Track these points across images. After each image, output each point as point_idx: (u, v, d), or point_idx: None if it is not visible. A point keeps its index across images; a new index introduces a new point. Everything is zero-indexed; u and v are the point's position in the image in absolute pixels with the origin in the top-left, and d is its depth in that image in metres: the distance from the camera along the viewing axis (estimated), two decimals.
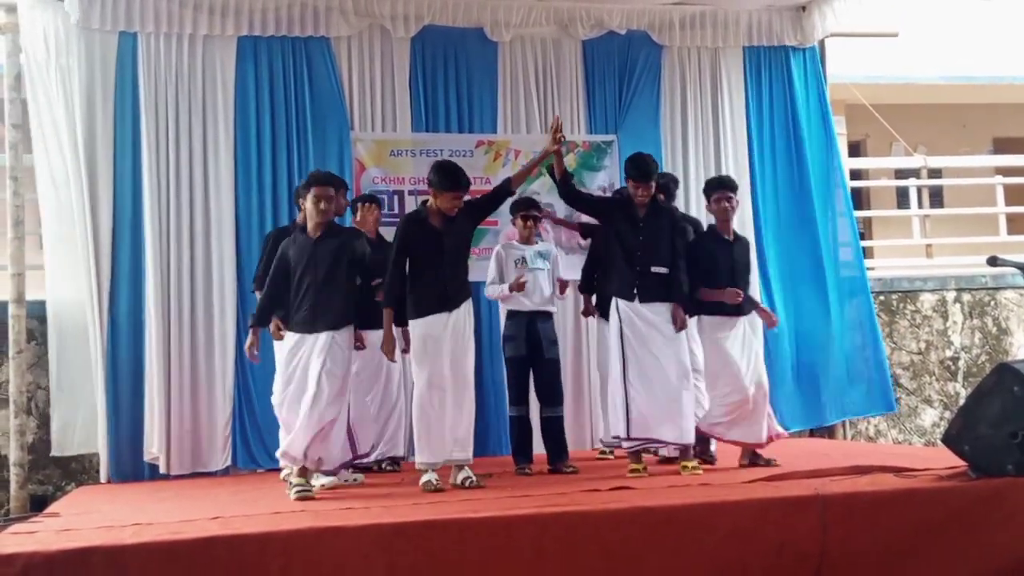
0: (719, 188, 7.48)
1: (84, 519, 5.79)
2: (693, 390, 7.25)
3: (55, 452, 8.63)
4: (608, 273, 7.40)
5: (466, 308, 6.89)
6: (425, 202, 6.99)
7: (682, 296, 7.15)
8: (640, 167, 7.17)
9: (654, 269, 7.12)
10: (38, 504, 8.27)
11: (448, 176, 6.77)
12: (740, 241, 7.58)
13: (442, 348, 6.71)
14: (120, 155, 8.81)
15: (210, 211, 8.96)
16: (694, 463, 7.04)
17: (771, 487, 5.93)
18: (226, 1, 9.08)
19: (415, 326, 6.80)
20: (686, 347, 7.27)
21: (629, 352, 7.02)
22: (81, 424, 8.67)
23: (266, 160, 9.12)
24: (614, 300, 7.17)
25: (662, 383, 6.99)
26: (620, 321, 7.08)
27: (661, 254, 7.16)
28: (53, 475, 8.80)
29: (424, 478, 6.60)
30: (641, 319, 7.08)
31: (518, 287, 7.56)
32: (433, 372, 6.64)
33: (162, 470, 8.56)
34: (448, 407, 6.67)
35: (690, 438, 7.09)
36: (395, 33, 9.46)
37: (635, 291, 7.12)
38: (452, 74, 9.64)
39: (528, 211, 7.81)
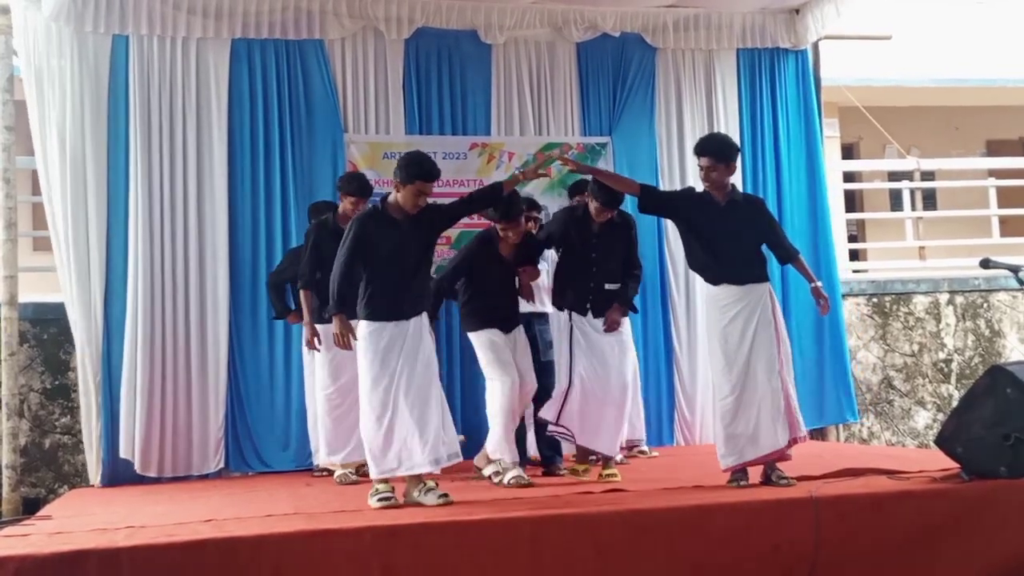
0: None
1: (77, 522, 5.78)
2: (631, 405, 7.54)
3: None
4: (564, 285, 7.43)
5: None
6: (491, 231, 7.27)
7: (625, 302, 7.28)
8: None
9: (607, 287, 7.21)
10: (31, 507, 8.25)
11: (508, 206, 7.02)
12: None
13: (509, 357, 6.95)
14: (113, 157, 8.77)
15: (203, 213, 8.93)
16: (613, 470, 7.16)
17: (764, 489, 5.94)
18: (220, 4, 9.06)
19: (475, 337, 7.01)
20: (632, 361, 7.49)
21: (578, 354, 7.12)
22: None
23: (259, 162, 9.09)
24: (566, 311, 7.30)
25: (602, 396, 7.11)
26: (572, 322, 7.19)
27: (614, 270, 7.25)
28: (46, 478, 8.78)
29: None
30: (594, 329, 7.21)
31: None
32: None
33: (153, 473, 8.53)
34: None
35: (616, 451, 7.33)
36: (388, 35, 9.44)
37: (588, 307, 7.24)
38: (446, 76, 9.63)
39: (530, 213, 7.81)
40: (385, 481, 6.09)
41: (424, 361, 6.16)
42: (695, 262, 6.75)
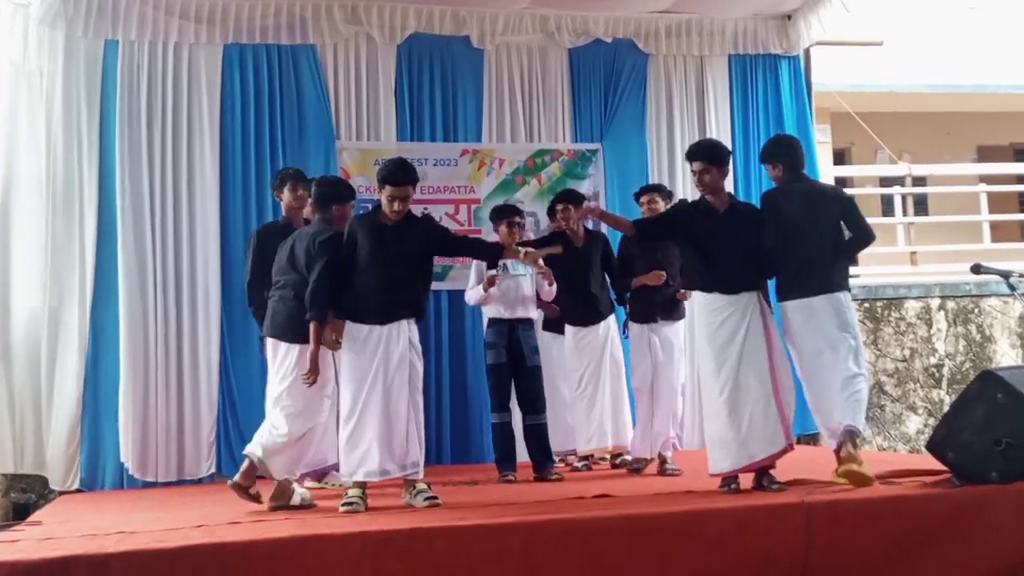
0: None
1: (67, 527, 5.76)
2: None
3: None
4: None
5: None
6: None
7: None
8: None
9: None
10: (21, 512, 8.23)
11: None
12: None
13: None
14: (105, 162, 8.78)
15: (195, 218, 8.94)
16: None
17: (756, 495, 5.94)
18: (213, 9, 9.08)
19: None
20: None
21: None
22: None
23: (251, 168, 9.11)
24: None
25: None
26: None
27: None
28: (36, 483, 8.73)
29: None
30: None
31: (489, 284, 7.55)
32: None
33: (146, 478, 8.52)
34: None
35: None
36: (381, 41, 9.46)
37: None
38: (438, 82, 9.65)
39: (511, 218, 7.83)
40: (361, 487, 6.08)
41: (398, 367, 6.12)
42: (689, 273, 6.71)
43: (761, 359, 6.27)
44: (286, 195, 7.42)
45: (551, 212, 8.27)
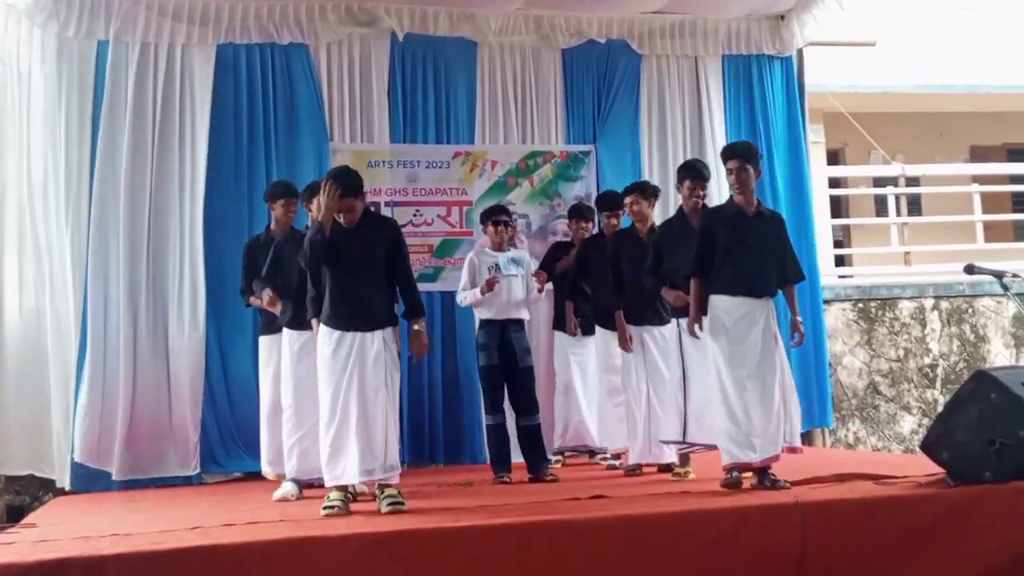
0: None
1: (62, 529, 5.75)
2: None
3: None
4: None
5: None
6: None
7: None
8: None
9: None
10: (15, 515, 8.22)
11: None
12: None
13: None
14: (96, 163, 8.74)
15: (184, 219, 8.92)
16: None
17: (751, 495, 5.94)
18: (205, 9, 9.06)
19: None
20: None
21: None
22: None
23: (243, 169, 9.09)
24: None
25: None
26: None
27: None
28: (30, 485, 8.72)
29: None
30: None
31: (488, 288, 7.55)
32: None
33: (132, 476, 8.47)
34: None
35: None
36: (375, 41, 9.44)
37: None
38: (431, 82, 9.62)
39: (498, 216, 7.82)
40: (343, 490, 6.07)
41: (374, 368, 6.06)
42: (700, 270, 6.58)
43: (774, 363, 6.33)
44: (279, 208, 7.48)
45: (579, 214, 8.59)
